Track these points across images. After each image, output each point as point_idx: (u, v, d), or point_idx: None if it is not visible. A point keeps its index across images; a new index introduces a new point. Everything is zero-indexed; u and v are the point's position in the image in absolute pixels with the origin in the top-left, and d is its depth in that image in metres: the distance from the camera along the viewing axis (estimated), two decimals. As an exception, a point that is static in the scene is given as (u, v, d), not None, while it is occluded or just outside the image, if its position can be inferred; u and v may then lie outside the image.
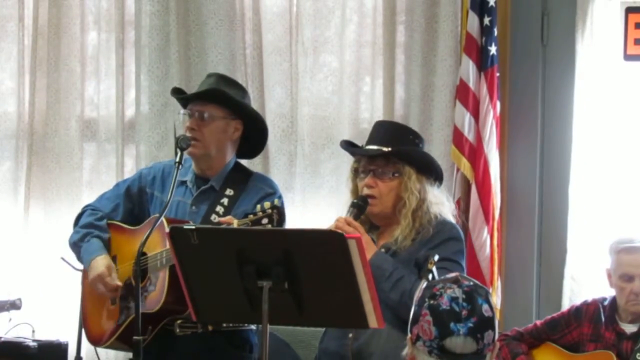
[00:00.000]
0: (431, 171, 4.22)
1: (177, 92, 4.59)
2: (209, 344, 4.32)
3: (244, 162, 5.30)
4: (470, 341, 2.66)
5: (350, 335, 4.09)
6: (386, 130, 4.29)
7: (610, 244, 4.86)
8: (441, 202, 4.22)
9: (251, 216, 3.94)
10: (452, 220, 4.26)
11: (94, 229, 4.47)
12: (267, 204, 3.97)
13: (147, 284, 4.25)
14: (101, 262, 4.36)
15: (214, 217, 4.36)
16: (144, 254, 4.22)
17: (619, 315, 4.81)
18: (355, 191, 4.25)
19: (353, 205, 4.15)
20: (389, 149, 4.16)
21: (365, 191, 4.16)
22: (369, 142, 4.24)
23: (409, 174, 4.15)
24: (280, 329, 5.12)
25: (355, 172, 4.25)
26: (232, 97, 4.41)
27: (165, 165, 4.61)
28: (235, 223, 3.97)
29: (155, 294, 4.21)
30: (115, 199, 4.56)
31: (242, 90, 4.57)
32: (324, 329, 4.31)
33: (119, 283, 4.32)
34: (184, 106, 4.49)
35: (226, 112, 4.41)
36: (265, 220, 3.92)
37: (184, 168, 4.37)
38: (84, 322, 4.56)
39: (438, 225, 4.16)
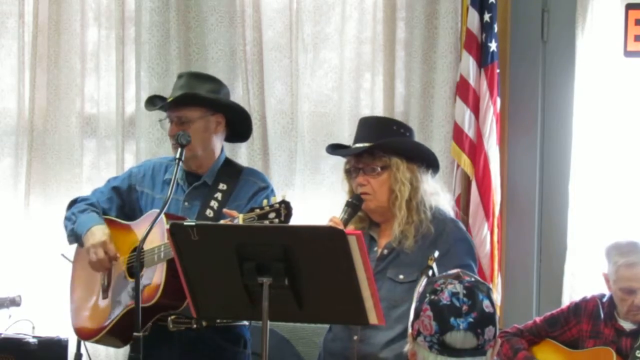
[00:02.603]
0: (422, 158, 4.18)
1: (153, 102, 4.58)
2: (202, 340, 4.32)
3: (244, 157, 5.32)
4: (471, 336, 2.66)
5: (355, 337, 4.07)
6: (370, 126, 4.27)
7: (607, 249, 4.85)
8: (436, 192, 4.19)
9: (258, 210, 3.93)
10: (451, 212, 4.23)
11: (95, 208, 4.48)
12: (274, 199, 3.95)
13: (142, 277, 4.25)
14: (102, 230, 4.36)
15: (209, 212, 4.36)
16: (141, 248, 4.22)
17: (618, 313, 4.81)
18: (351, 192, 4.23)
19: (347, 204, 4.12)
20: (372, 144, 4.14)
21: (359, 190, 4.15)
22: (355, 141, 4.24)
23: (396, 165, 4.12)
24: (281, 326, 5.13)
25: (348, 173, 4.24)
26: (203, 97, 4.40)
27: (155, 163, 4.61)
28: (240, 217, 3.96)
29: (151, 288, 4.21)
30: (108, 194, 4.56)
31: (216, 82, 4.54)
32: (327, 328, 4.29)
33: (118, 254, 4.32)
34: (165, 111, 4.48)
35: (203, 111, 4.40)
36: (272, 215, 3.91)
37: (172, 166, 4.36)
38: (73, 317, 4.54)
39: (438, 224, 4.12)
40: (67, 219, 4.53)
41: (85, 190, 5.61)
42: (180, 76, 4.60)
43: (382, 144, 4.13)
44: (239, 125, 4.53)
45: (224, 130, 4.48)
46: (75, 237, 4.46)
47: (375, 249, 4.16)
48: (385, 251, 4.14)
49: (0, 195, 5.91)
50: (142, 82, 5.74)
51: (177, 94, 4.41)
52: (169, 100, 4.44)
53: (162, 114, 4.53)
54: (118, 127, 5.81)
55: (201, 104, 4.39)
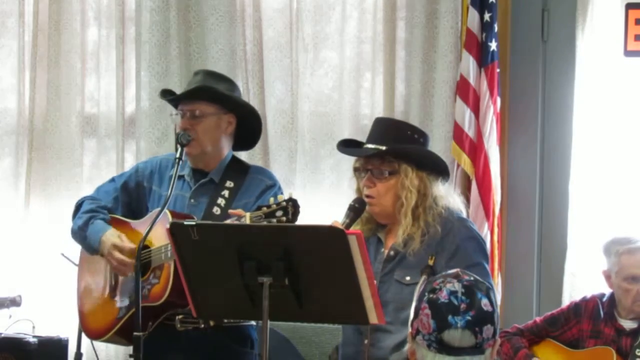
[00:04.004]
0: (432, 166, 4.13)
1: (166, 94, 4.57)
2: (210, 340, 4.32)
3: (244, 156, 5.31)
4: (469, 334, 2.65)
5: (366, 341, 4.06)
6: (384, 128, 4.21)
7: (605, 245, 4.85)
8: (447, 194, 4.11)
9: (265, 208, 3.92)
10: (462, 211, 4.15)
11: (96, 213, 4.45)
12: (280, 197, 3.95)
13: (150, 277, 4.25)
14: (110, 235, 4.33)
15: (215, 210, 4.35)
16: (147, 246, 4.22)
17: (618, 312, 4.81)
18: (359, 190, 4.16)
19: (350, 208, 4.08)
20: (384, 147, 4.08)
21: (365, 191, 4.11)
22: (368, 140, 4.18)
23: (405, 172, 4.06)
24: (281, 325, 5.13)
25: (357, 171, 4.19)
26: (221, 92, 4.39)
27: (162, 159, 4.59)
28: (247, 216, 3.96)
29: (159, 287, 4.20)
30: (114, 192, 4.54)
31: (231, 83, 4.54)
32: (329, 328, 4.27)
33: (133, 245, 4.27)
34: (175, 107, 4.48)
35: (217, 108, 4.39)
36: (279, 213, 3.90)
37: (182, 162, 4.35)
38: (81, 317, 4.55)
39: (446, 224, 4.05)
40: (74, 233, 4.51)
41: (86, 190, 5.62)
42: (196, 73, 4.59)
43: (393, 149, 4.08)
44: (248, 128, 4.51)
45: (233, 133, 4.47)
46: (92, 250, 4.45)
47: (382, 250, 4.13)
48: (392, 253, 4.09)
49: (1, 194, 5.92)
50: (142, 82, 5.74)
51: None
52: (186, 90, 4.44)
53: (168, 112, 4.51)
54: (118, 126, 5.81)
55: (217, 100, 4.39)
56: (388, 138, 4.12)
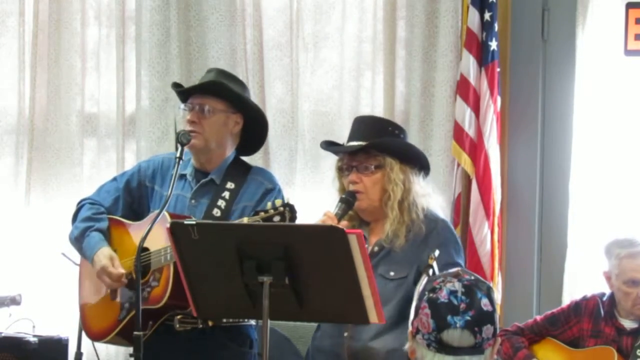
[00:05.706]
0: (414, 161, 4.21)
1: (177, 87, 4.58)
2: (209, 340, 4.32)
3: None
4: (468, 334, 2.66)
5: (346, 334, 4.08)
6: (365, 125, 4.29)
7: (607, 246, 4.85)
8: (427, 194, 4.21)
9: (262, 213, 3.94)
10: (440, 213, 4.26)
11: (92, 222, 4.43)
12: (278, 201, 3.95)
13: (150, 279, 4.24)
14: (102, 255, 4.32)
15: (216, 212, 4.34)
16: (146, 249, 4.21)
17: (618, 311, 4.81)
18: (342, 190, 4.24)
19: (341, 200, 4.14)
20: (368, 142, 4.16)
21: (351, 187, 4.16)
22: (350, 139, 4.25)
23: (391, 165, 4.14)
24: (281, 324, 5.14)
25: (340, 171, 4.25)
26: (233, 90, 4.40)
27: (164, 158, 4.58)
28: (245, 220, 3.97)
29: (159, 290, 4.20)
30: (115, 192, 4.53)
31: (242, 85, 4.56)
32: (317, 326, 4.30)
33: (123, 270, 4.28)
34: (184, 101, 4.48)
35: (226, 106, 4.40)
36: (277, 218, 3.92)
37: (183, 161, 4.36)
38: (83, 318, 4.54)
39: (430, 223, 4.14)
40: (72, 242, 4.50)
41: (86, 190, 5.63)
42: (209, 70, 4.61)
43: (378, 143, 4.16)
44: (254, 132, 4.52)
45: (239, 133, 4.47)
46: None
47: (366, 246, 4.16)
48: (376, 248, 4.17)
49: (1, 194, 5.92)
50: (142, 81, 5.75)
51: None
52: (199, 83, 4.45)
53: (168, 112, 4.51)
54: (118, 126, 5.81)
55: (227, 97, 4.39)
56: (370, 134, 4.21)
